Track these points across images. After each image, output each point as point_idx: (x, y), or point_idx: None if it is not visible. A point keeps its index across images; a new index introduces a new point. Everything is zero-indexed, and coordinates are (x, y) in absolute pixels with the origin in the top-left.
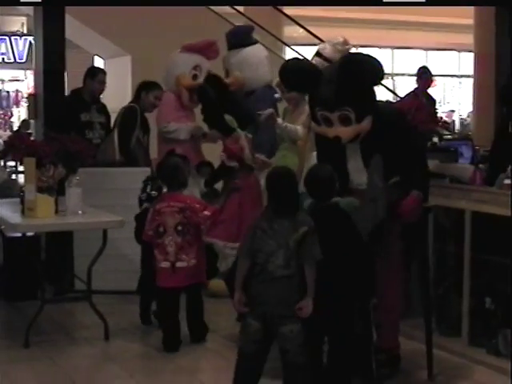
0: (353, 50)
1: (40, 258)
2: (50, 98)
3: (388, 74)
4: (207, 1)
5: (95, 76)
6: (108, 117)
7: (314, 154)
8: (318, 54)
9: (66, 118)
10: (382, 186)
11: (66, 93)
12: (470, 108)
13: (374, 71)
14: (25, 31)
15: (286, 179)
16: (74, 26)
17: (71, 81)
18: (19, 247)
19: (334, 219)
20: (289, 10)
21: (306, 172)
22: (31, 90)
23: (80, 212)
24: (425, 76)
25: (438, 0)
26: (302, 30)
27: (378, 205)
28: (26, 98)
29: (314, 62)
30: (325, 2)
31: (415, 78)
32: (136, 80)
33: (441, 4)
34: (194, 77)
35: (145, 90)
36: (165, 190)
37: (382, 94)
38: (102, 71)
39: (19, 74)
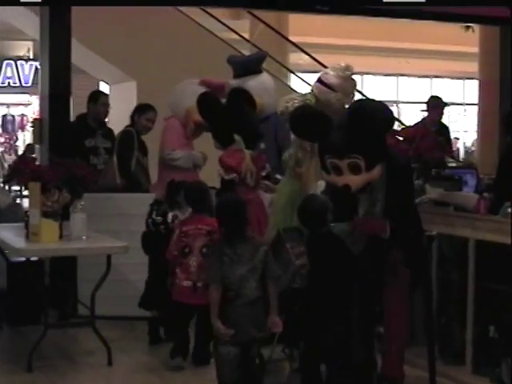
0: (355, 77)
1: (44, 283)
2: (55, 122)
3: (393, 102)
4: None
5: (98, 99)
6: (114, 142)
7: (320, 182)
8: (319, 80)
9: (70, 144)
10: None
11: (72, 118)
12: (475, 136)
13: (384, 119)
14: (31, 56)
15: (237, 206)
16: (80, 51)
17: (76, 106)
18: (23, 272)
19: (328, 246)
20: (294, 37)
21: (301, 202)
22: (36, 115)
23: (84, 237)
24: (435, 105)
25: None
26: (307, 56)
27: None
28: (32, 122)
29: (315, 88)
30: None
31: (426, 107)
32: None
33: (440, 4)
34: None
35: (137, 113)
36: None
37: None
38: (103, 94)
39: (25, 98)
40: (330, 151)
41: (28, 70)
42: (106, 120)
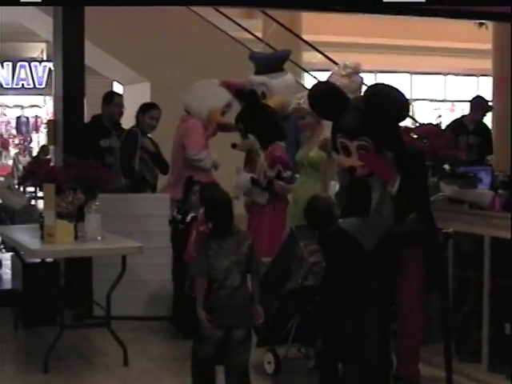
0: (364, 75)
1: (59, 284)
2: (69, 123)
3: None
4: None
5: (111, 100)
6: None
7: (333, 182)
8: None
9: (85, 145)
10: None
11: (86, 119)
12: None
13: (399, 106)
14: (44, 57)
15: (225, 203)
16: (94, 52)
17: (90, 107)
18: (38, 273)
19: (338, 243)
20: (307, 36)
21: (306, 204)
22: (50, 116)
23: (99, 238)
24: (479, 104)
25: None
26: (320, 55)
27: (385, 215)
28: (46, 123)
29: None
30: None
31: (469, 105)
32: None
33: (440, 4)
34: (223, 113)
35: (141, 112)
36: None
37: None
38: (117, 94)
39: (39, 99)
40: (341, 131)
41: (42, 71)
42: (121, 121)
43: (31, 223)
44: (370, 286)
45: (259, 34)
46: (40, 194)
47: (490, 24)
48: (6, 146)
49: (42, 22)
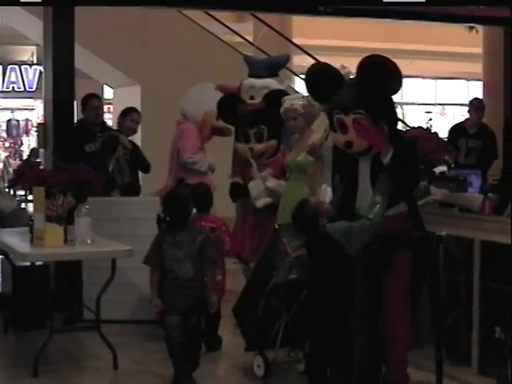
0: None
1: (49, 287)
2: (59, 127)
3: (397, 103)
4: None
5: (86, 104)
6: None
7: (324, 186)
8: None
9: (73, 148)
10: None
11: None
12: None
13: (392, 76)
14: (35, 60)
15: (182, 199)
16: (84, 55)
17: (80, 110)
18: (28, 276)
19: (322, 248)
20: (298, 40)
21: (294, 208)
22: (41, 119)
23: (89, 241)
24: (477, 107)
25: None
26: (310, 59)
27: (374, 222)
28: (36, 126)
29: None
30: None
31: (468, 109)
32: (145, 109)
33: (440, 4)
34: (217, 117)
35: (121, 116)
36: None
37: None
38: (93, 97)
39: (29, 102)
40: (337, 107)
41: (32, 74)
42: (111, 124)
43: (21, 226)
44: (354, 291)
45: (250, 38)
46: (30, 197)
47: (480, 28)
48: None
49: (32, 25)
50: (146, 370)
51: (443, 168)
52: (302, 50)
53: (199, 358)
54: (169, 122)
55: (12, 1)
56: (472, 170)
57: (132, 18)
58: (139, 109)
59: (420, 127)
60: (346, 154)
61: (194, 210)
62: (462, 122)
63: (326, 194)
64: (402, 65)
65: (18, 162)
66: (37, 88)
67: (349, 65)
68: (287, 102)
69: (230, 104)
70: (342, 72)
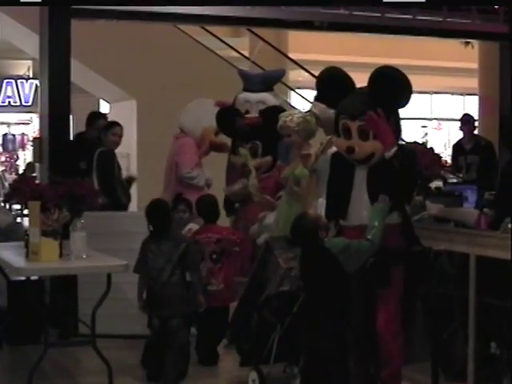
0: None
1: (44, 302)
2: (55, 141)
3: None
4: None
5: (109, 129)
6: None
7: (320, 199)
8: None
9: (69, 164)
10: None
11: (72, 137)
12: None
13: (403, 88)
14: (31, 75)
15: (163, 209)
16: (80, 69)
17: (76, 124)
18: (23, 291)
19: (321, 262)
20: (293, 55)
21: (291, 223)
22: (37, 134)
23: (84, 256)
24: (465, 121)
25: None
26: (306, 73)
27: (373, 243)
28: (32, 141)
29: (313, 106)
30: (322, 2)
31: (460, 124)
32: (141, 124)
33: (440, 4)
34: (216, 133)
35: (103, 131)
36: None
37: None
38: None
39: (25, 117)
40: (344, 111)
41: (28, 88)
42: None
43: (17, 241)
44: (350, 305)
45: (246, 53)
46: (26, 211)
47: (475, 43)
48: None
49: (28, 39)
50: None
51: (439, 183)
52: (298, 64)
53: (187, 368)
54: (165, 137)
55: (12, 1)
56: (473, 184)
57: (129, 32)
58: (135, 124)
59: (416, 142)
60: (343, 161)
61: (201, 222)
62: (459, 140)
63: (323, 207)
64: None
65: (13, 176)
66: (33, 102)
67: None
68: (282, 120)
69: (229, 116)
70: None
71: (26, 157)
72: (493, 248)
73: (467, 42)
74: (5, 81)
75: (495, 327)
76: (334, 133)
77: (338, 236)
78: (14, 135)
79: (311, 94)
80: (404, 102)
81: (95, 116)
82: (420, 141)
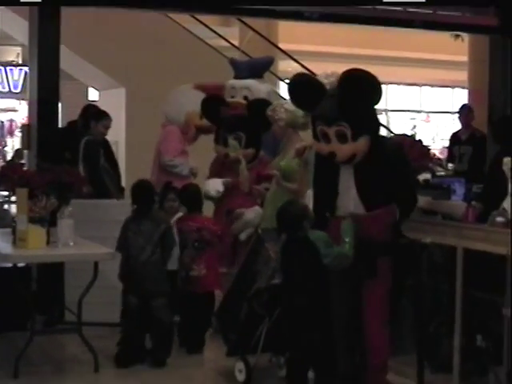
0: None
1: (30, 289)
2: (44, 128)
3: (381, 110)
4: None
5: (100, 119)
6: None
7: (309, 191)
8: None
9: (57, 151)
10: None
11: (60, 124)
12: None
13: (372, 88)
14: (20, 61)
15: (147, 191)
16: (69, 57)
17: (65, 111)
18: (10, 278)
19: (302, 251)
20: (283, 44)
21: (278, 208)
22: (25, 120)
23: (71, 243)
24: (461, 111)
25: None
26: (296, 64)
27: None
28: (20, 128)
29: None
30: (322, 2)
31: (458, 115)
32: (130, 112)
33: (440, 4)
34: (201, 117)
35: (94, 119)
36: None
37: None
38: (108, 116)
39: (14, 103)
40: (319, 118)
41: (17, 75)
42: None
43: (4, 227)
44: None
45: (236, 42)
46: (13, 198)
47: (465, 36)
48: None
49: (18, 25)
50: (127, 373)
51: (427, 175)
52: (288, 54)
53: (171, 347)
54: (154, 125)
55: (12, 1)
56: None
57: (119, 20)
58: (124, 112)
59: (404, 134)
60: (327, 160)
61: (183, 211)
62: (457, 131)
63: (311, 200)
64: (388, 72)
65: (1, 163)
66: (22, 89)
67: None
68: (270, 110)
69: (214, 104)
70: (328, 80)
71: (14, 144)
72: (480, 241)
73: (457, 35)
74: None
75: (481, 320)
76: (313, 137)
77: (325, 227)
78: (2, 122)
79: None
80: (375, 100)
81: (104, 114)
82: (409, 133)
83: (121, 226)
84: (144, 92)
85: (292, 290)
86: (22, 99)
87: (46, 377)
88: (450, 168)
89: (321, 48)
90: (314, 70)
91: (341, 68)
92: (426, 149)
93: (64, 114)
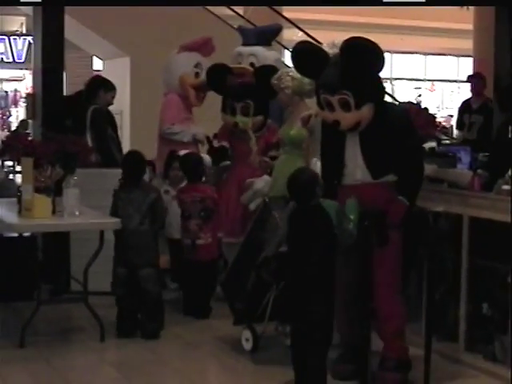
0: None
1: (36, 259)
2: (48, 97)
3: (386, 79)
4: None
5: (109, 90)
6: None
7: (314, 159)
8: None
9: (62, 120)
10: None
11: (65, 93)
12: None
13: (374, 56)
14: (24, 31)
15: (135, 160)
16: (73, 26)
17: (70, 81)
18: (16, 247)
19: (314, 219)
20: (288, 13)
21: (289, 176)
22: (29, 90)
23: (77, 213)
24: (468, 80)
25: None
26: (301, 33)
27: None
28: (25, 97)
29: None
30: (326, 2)
31: (469, 84)
32: (135, 81)
33: (440, 4)
34: (196, 75)
35: (102, 88)
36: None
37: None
38: (114, 87)
39: (18, 73)
40: (323, 86)
41: (21, 45)
42: None
43: (9, 197)
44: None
45: (240, 11)
46: (18, 168)
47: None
48: None
49: None
50: (133, 341)
51: (432, 144)
52: (293, 23)
53: (161, 318)
54: (158, 94)
55: (12, 0)
56: (472, 144)
57: None
58: (128, 81)
59: (410, 102)
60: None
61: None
62: (468, 98)
63: (317, 167)
64: (392, 40)
65: (6, 133)
66: (26, 59)
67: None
68: (274, 78)
69: (220, 73)
70: (332, 51)
71: (18, 114)
72: (486, 209)
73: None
74: None
75: (487, 288)
76: (318, 106)
77: (334, 196)
78: (6, 92)
79: None
80: (378, 68)
81: (111, 85)
82: (414, 102)
83: None
84: (149, 61)
85: (302, 259)
86: (26, 69)
87: (52, 346)
88: (456, 136)
89: (326, 17)
90: (320, 39)
91: (346, 37)
92: (432, 117)
93: (68, 84)
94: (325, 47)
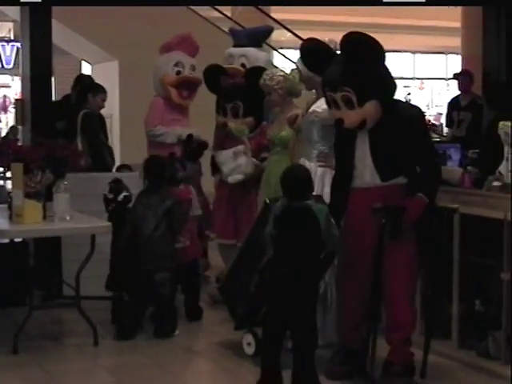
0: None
1: (28, 264)
2: (37, 103)
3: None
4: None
5: (98, 93)
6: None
7: (302, 159)
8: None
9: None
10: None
11: (54, 98)
12: None
13: (374, 52)
14: (12, 37)
15: (157, 166)
16: (61, 31)
17: (58, 86)
18: (7, 253)
19: (302, 220)
20: (276, 14)
21: (282, 172)
22: (18, 96)
23: (68, 217)
24: (455, 78)
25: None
26: (289, 33)
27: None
28: (14, 103)
29: (299, 64)
30: (324, 2)
31: (456, 81)
32: (124, 85)
33: (440, 4)
34: (178, 73)
35: (91, 92)
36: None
37: None
38: (104, 90)
39: (7, 79)
40: (326, 84)
41: (9, 51)
42: None
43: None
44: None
45: (228, 13)
46: (8, 174)
47: None
48: None
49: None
50: (127, 346)
51: None
52: (281, 24)
53: (174, 320)
54: (147, 97)
55: (12, 0)
56: (461, 141)
57: None
58: (117, 85)
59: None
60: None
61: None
62: (457, 96)
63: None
64: (381, 39)
65: None
66: (14, 65)
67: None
68: (262, 78)
69: (214, 74)
70: (334, 48)
71: (7, 120)
72: (477, 206)
73: None
74: None
75: (479, 285)
76: (326, 104)
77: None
78: None
79: (294, 54)
80: (377, 64)
81: (101, 88)
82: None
83: None
84: (137, 64)
85: (286, 260)
86: (15, 75)
87: (45, 351)
88: (446, 133)
89: (314, 17)
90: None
91: (334, 36)
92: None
93: (57, 89)
94: None
